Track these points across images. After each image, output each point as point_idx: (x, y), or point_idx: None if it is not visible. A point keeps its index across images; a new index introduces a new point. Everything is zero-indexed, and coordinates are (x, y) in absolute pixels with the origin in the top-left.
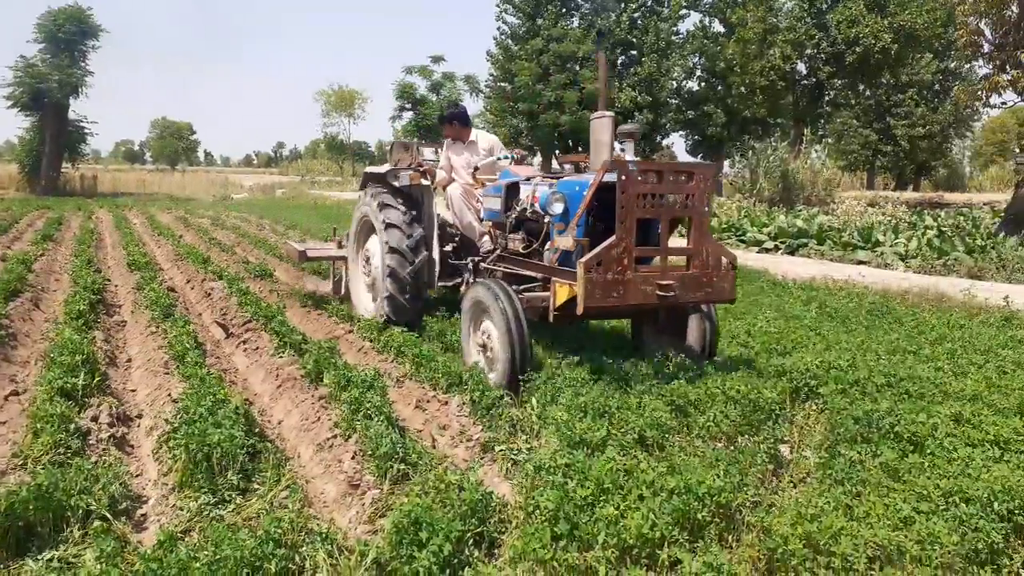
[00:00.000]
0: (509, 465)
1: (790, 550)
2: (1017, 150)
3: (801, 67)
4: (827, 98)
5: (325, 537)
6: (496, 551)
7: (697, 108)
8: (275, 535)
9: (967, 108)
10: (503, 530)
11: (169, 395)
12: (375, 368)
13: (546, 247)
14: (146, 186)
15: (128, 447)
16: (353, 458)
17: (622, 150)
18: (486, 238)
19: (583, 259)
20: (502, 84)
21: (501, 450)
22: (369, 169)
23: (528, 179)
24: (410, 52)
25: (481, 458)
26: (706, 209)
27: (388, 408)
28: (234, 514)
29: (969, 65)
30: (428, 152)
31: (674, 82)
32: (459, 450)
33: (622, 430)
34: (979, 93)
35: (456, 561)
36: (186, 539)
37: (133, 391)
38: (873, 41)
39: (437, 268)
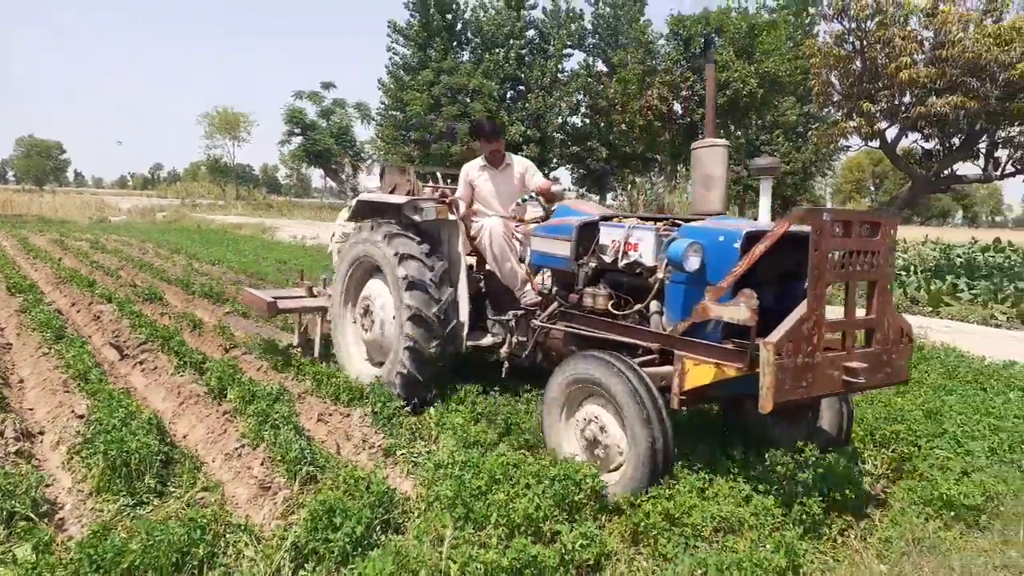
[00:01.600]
0: (410, 467)
1: (651, 523)
2: (872, 187)
3: (677, 107)
4: (700, 136)
5: (245, 527)
6: (401, 536)
7: (581, 143)
8: (202, 523)
9: (824, 149)
10: (406, 519)
11: (73, 411)
12: (279, 383)
13: (652, 309)
14: (12, 207)
15: (36, 460)
16: (262, 464)
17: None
18: (529, 287)
19: (773, 338)
20: (393, 112)
21: (402, 454)
22: (368, 197)
23: (607, 219)
24: (299, 76)
25: (384, 461)
26: (890, 270)
27: (295, 418)
28: (152, 514)
29: (826, 110)
30: (427, 177)
31: (560, 118)
32: (362, 456)
33: (514, 434)
34: (832, 137)
35: (366, 542)
36: (113, 533)
37: (31, 409)
38: (741, 85)
39: (466, 324)
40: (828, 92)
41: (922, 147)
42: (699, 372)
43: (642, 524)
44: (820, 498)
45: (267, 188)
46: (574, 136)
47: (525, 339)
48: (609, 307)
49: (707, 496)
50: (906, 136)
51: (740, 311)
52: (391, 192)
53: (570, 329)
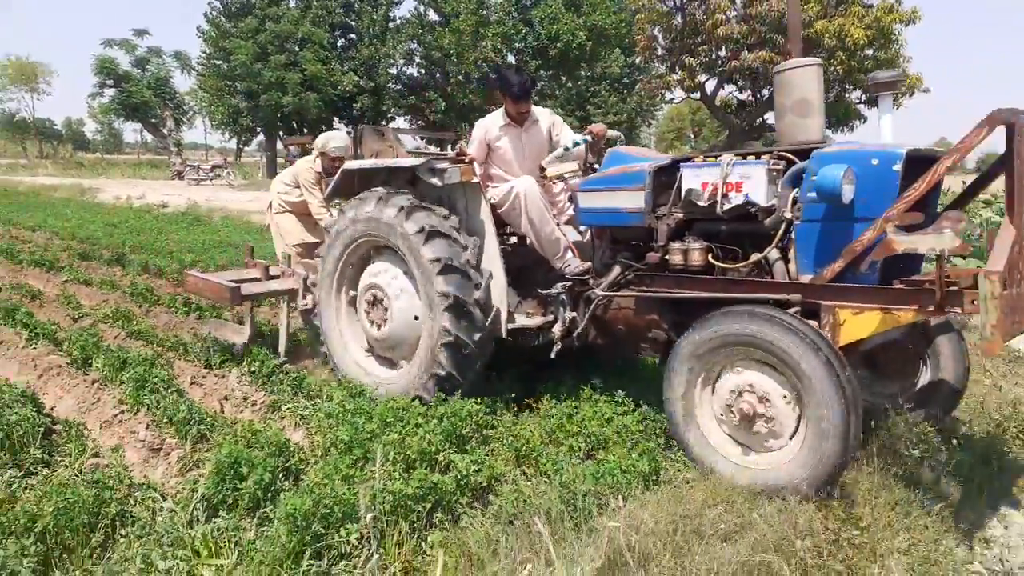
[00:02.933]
0: (298, 419)
1: (531, 446)
2: (692, 135)
3: (511, 59)
4: (536, 88)
5: (149, 486)
6: (301, 481)
7: (418, 94)
8: (109, 484)
9: (649, 100)
10: (304, 467)
11: None
12: (153, 350)
13: (773, 257)
14: None
15: None
16: (148, 428)
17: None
18: (570, 254)
19: (995, 267)
20: (216, 62)
21: (288, 408)
22: (358, 164)
23: (683, 160)
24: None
25: (271, 416)
26: None
27: (176, 382)
28: (45, 483)
29: (651, 63)
30: (408, 142)
31: (394, 67)
32: (246, 413)
33: None
34: (657, 89)
35: (273, 488)
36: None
37: None
38: (571, 38)
39: (505, 304)
40: (652, 47)
41: (737, 98)
42: (860, 322)
43: (523, 448)
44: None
45: (73, 144)
46: (410, 87)
47: (576, 314)
48: (710, 261)
49: (574, 420)
50: (723, 88)
51: (945, 239)
52: (374, 157)
53: (651, 294)
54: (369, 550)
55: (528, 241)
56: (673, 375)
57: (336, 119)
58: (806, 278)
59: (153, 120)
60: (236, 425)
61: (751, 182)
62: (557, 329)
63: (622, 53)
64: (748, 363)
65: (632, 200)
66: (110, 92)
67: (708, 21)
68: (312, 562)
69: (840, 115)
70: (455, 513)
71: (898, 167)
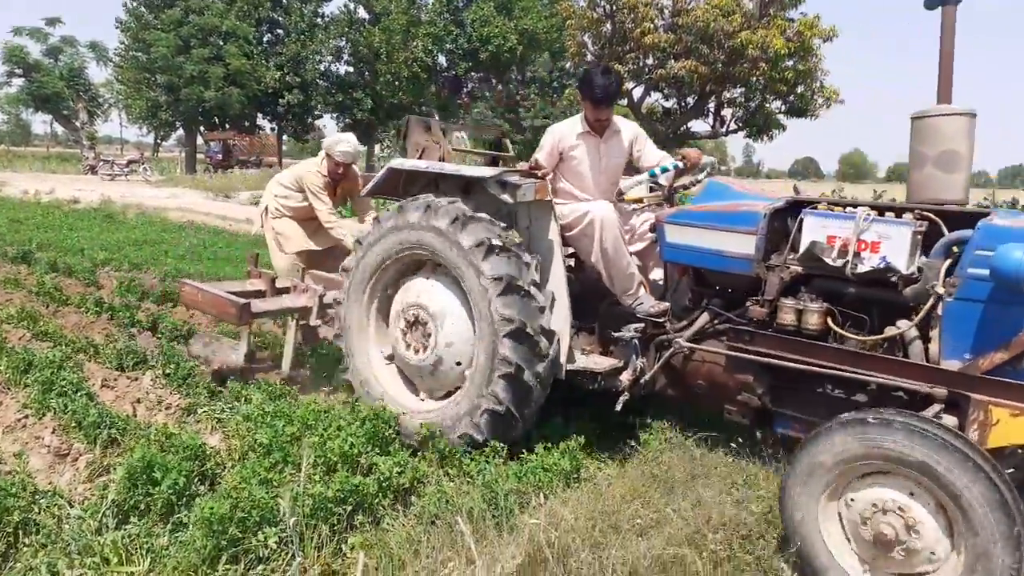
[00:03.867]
0: (214, 423)
1: (455, 449)
2: None
3: (442, 60)
4: (466, 90)
5: (55, 493)
6: (217, 486)
7: (346, 92)
8: (12, 490)
9: (579, 105)
10: (221, 471)
11: None
12: (61, 350)
13: (911, 335)
14: None
15: None
16: (54, 432)
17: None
18: (644, 292)
19: None
20: (136, 54)
21: (204, 412)
22: (409, 165)
23: (805, 203)
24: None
25: (186, 420)
26: None
27: (86, 384)
28: None
29: (581, 68)
30: (456, 138)
31: (322, 64)
32: (160, 416)
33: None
34: None
35: (188, 493)
36: None
37: None
38: (503, 41)
39: (566, 342)
40: (582, 52)
41: (663, 106)
42: (1018, 426)
43: (447, 449)
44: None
45: None
46: (338, 84)
47: (644, 360)
48: (830, 326)
49: None
50: (649, 95)
51: None
52: (419, 156)
53: (752, 355)
54: (288, 554)
55: (586, 269)
56: (796, 478)
57: (260, 115)
58: (952, 365)
59: (65, 112)
60: (149, 429)
61: (891, 244)
62: (627, 377)
63: (552, 58)
64: (887, 478)
65: (740, 244)
66: (19, 82)
67: (636, 29)
68: (229, 567)
69: (760, 125)
70: (377, 515)
71: None
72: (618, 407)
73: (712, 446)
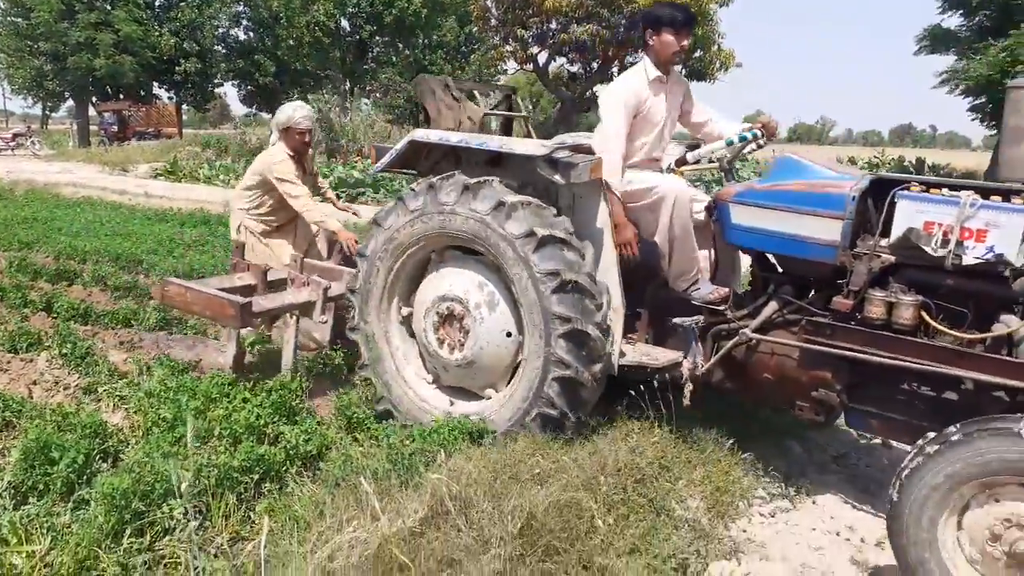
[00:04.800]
0: (116, 401)
1: (363, 417)
2: (531, 105)
3: (345, 24)
4: (371, 55)
5: None
6: (120, 463)
7: (247, 57)
8: None
9: (486, 69)
10: (124, 448)
11: None
12: None
13: (1022, 333)
14: None
15: None
16: None
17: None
18: (701, 276)
19: None
20: (15, 19)
21: (105, 390)
22: (448, 136)
23: (901, 185)
24: None
25: (86, 399)
26: None
27: None
28: None
29: (486, 34)
30: (471, 102)
31: (220, 29)
32: (58, 397)
33: None
34: (492, 60)
35: (89, 471)
36: None
37: None
38: (407, 4)
39: (619, 335)
40: (486, 17)
41: (568, 71)
42: None
43: (355, 416)
44: None
45: None
46: (238, 50)
47: (702, 352)
48: (930, 322)
49: None
50: (555, 60)
51: None
52: (437, 120)
53: (833, 348)
54: (194, 523)
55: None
56: (909, 496)
57: (156, 84)
58: None
59: None
60: (47, 409)
61: (1001, 232)
62: (687, 369)
63: (458, 22)
64: (1012, 491)
65: (824, 229)
66: None
67: None
68: (134, 540)
69: None
70: (284, 483)
71: None
72: (686, 401)
73: (611, 401)
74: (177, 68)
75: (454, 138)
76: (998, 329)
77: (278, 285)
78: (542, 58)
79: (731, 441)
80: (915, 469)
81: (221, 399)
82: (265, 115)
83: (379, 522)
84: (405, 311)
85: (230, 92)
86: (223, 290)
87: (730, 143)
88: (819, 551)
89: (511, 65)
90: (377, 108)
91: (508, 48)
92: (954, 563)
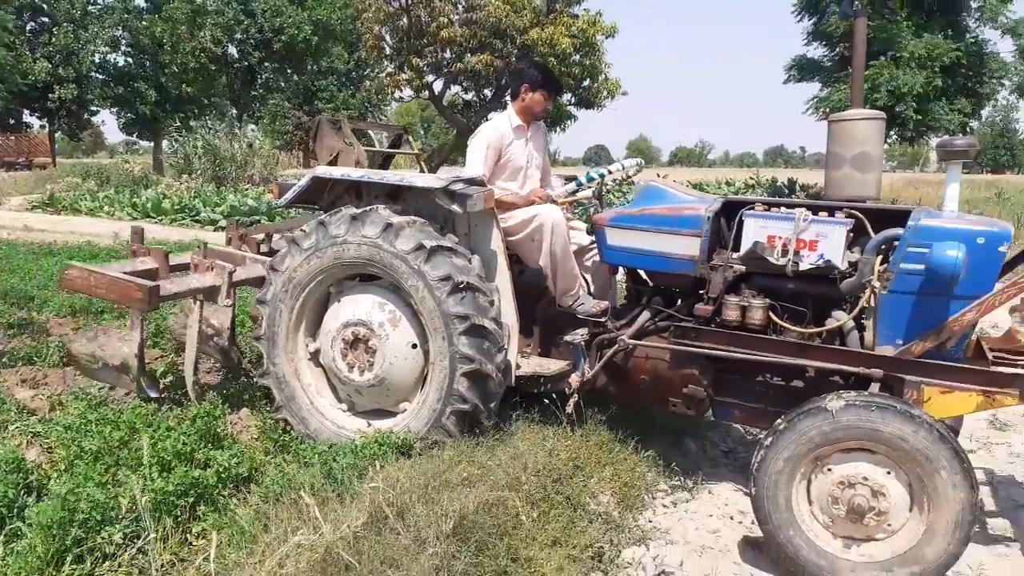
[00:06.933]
0: (29, 438)
1: (291, 438)
2: (422, 131)
3: (233, 50)
4: (260, 81)
5: None
6: (44, 497)
7: (127, 84)
8: None
9: (379, 96)
10: (46, 481)
11: None
12: None
13: (849, 326)
14: None
15: None
16: None
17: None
18: (584, 293)
19: None
20: None
21: (17, 427)
22: (349, 172)
23: (747, 205)
24: None
25: None
26: None
27: None
28: None
29: (380, 62)
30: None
31: (97, 55)
32: None
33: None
34: (386, 88)
35: (17, 505)
36: None
37: None
38: (296, 31)
39: (515, 349)
40: (380, 46)
41: (463, 98)
42: (950, 402)
43: (281, 438)
44: None
45: None
46: (117, 76)
47: (587, 361)
48: (776, 321)
49: None
50: (449, 88)
51: None
52: (332, 161)
53: (699, 349)
54: (133, 548)
55: (525, 273)
56: (768, 463)
57: (27, 112)
58: (886, 350)
59: None
60: None
61: (828, 242)
62: (575, 379)
63: (348, 49)
64: (853, 455)
65: (684, 246)
66: None
67: (432, 24)
68: (75, 567)
69: (554, 116)
70: (219, 505)
71: (1004, 248)
72: (568, 409)
73: (526, 409)
74: (51, 95)
75: (355, 174)
76: (831, 323)
77: (180, 270)
78: (437, 86)
79: (635, 441)
80: (761, 461)
81: (145, 429)
82: (145, 143)
83: (322, 530)
84: (312, 347)
85: (108, 119)
86: (128, 274)
87: (591, 179)
88: (716, 533)
89: (406, 92)
90: (266, 135)
91: (403, 76)
92: (814, 533)
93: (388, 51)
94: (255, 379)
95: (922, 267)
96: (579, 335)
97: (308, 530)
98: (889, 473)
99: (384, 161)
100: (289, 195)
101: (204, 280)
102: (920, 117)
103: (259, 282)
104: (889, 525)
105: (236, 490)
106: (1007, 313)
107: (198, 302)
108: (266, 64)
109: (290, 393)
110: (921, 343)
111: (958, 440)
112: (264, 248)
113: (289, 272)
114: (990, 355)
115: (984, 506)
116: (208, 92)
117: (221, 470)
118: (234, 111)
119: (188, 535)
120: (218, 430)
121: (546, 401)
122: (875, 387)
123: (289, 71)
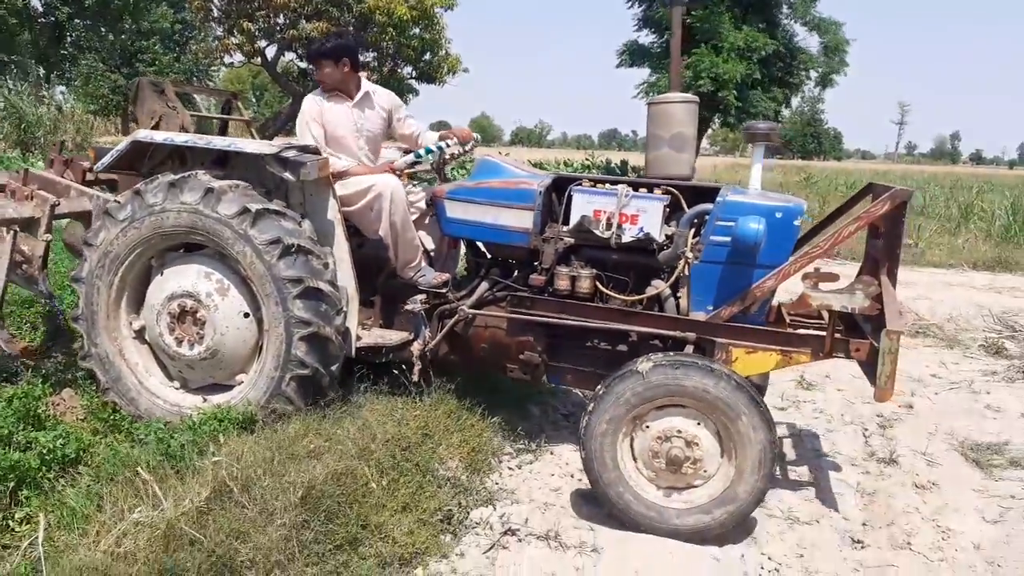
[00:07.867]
0: None
1: (117, 419)
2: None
3: (37, 4)
4: (70, 39)
5: None
6: None
7: None
8: None
9: (206, 60)
10: None
11: None
12: None
13: (666, 293)
14: None
15: None
16: None
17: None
18: (426, 264)
19: (898, 326)
20: None
21: None
22: (170, 136)
23: (569, 180)
24: None
25: None
26: None
27: None
28: None
29: (207, 25)
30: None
31: None
32: None
33: None
34: (216, 52)
35: None
36: None
37: None
38: None
39: (355, 320)
40: (208, 7)
41: (298, 66)
42: (753, 361)
43: (111, 418)
44: None
45: None
46: None
47: (429, 330)
48: (599, 289)
49: None
50: (283, 55)
51: (857, 299)
52: (155, 126)
53: (534, 317)
54: None
55: (365, 244)
56: (593, 427)
57: None
58: (698, 315)
59: None
60: None
61: (647, 216)
62: (417, 348)
63: (171, 8)
64: (667, 410)
65: (518, 219)
66: None
67: None
68: None
69: (395, 89)
70: (44, 488)
71: (799, 222)
72: (415, 378)
73: (374, 381)
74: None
75: (179, 138)
76: (650, 292)
77: None
78: (270, 52)
79: (482, 409)
80: (587, 426)
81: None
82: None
83: (163, 506)
84: (137, 324)
85: None
86: None
87: (428, 151)
88: (557, 491)
89: (237, 57)
90: (78, 98)
91: (234, 41)
92: (641, 487)
93: (216, 14)
94: (78, 361)
95: (728, 239)
96: (417, 302)
97: (147, 507)
98: (699, 424)
99: (222, 129)
100: (106, 159)
101: (22, 210)
102: (740, 104)
103: (84, 216)
104: (705, 471)
105: (63, 472)
106: (799, 280)
107: (11, 232)
108: (76, 21)
109: (116, 374)
110: (729, 308)
111: (759, 392)
112: (90, 177)
113: (104, 246)
114: (788, 319)
115: (791, 456)
116: (9, 50)
117: (45, 452)
118: (41, 70)
119: (10, 521)
120: (39, 411)
121: (394, 372)
122: (689, 349)
123: (104, 29)
